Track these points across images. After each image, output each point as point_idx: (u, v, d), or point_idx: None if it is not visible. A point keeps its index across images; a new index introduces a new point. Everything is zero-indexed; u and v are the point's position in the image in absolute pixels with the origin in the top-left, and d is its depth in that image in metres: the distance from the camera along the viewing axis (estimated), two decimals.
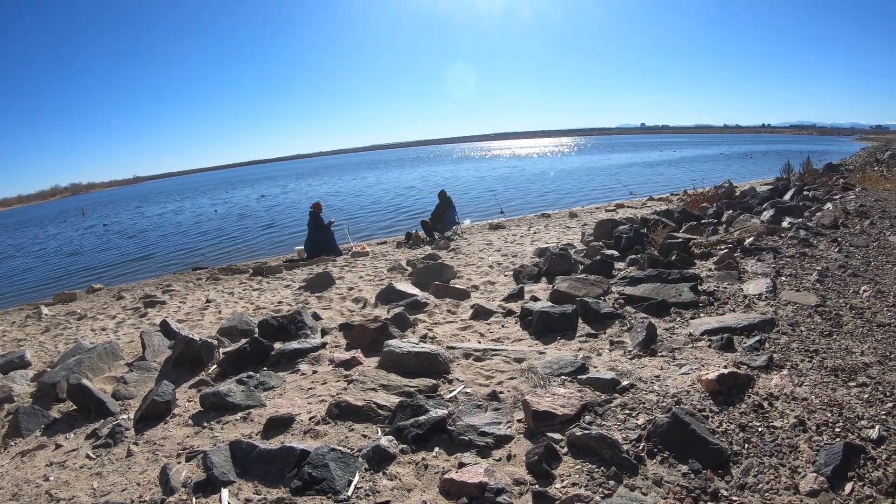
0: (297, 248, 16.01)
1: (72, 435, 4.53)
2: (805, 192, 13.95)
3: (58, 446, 4.34)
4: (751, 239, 8.08)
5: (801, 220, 9.73)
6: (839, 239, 8.01)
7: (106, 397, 4.97)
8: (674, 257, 7.27)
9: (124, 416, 4.69)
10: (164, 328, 6.84)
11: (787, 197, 13.59)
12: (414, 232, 16.26)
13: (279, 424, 3.97)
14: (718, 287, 6.17)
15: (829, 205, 11.31)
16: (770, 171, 31.04)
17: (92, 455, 4.03)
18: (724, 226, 10.14)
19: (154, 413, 4.49)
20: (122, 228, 38.13)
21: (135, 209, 60.35)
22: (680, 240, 8.19)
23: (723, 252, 7.37)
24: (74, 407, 5.00)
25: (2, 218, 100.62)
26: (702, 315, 5.37)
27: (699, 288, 6.06)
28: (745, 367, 4.02)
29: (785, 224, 9.41)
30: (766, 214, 10.28)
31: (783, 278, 6.33)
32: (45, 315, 10.91)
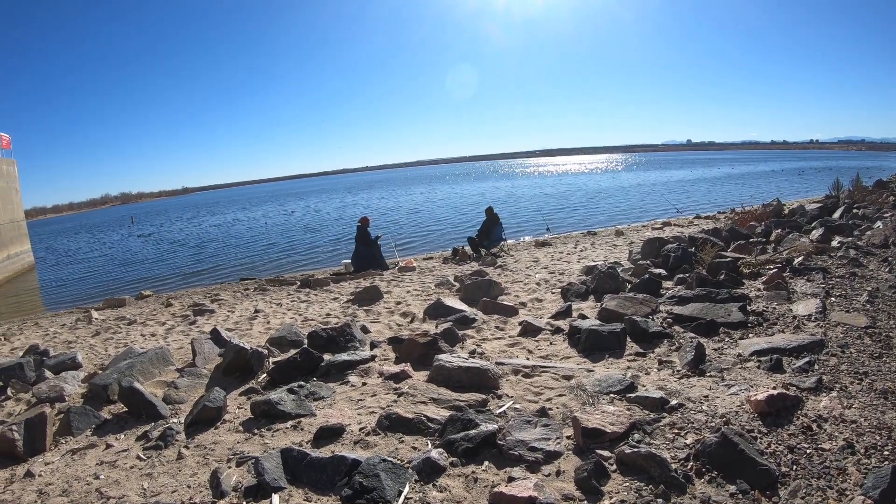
0: (344, 261, 16.14)
1: (122, 436, 4.65)
2: (854, 210, 13.66)
3: (108, 446, 4.46)
4: (800, 258, 8.01)
5: (850, 239, 9.58)
6: (890, 259, 7.87)
7: (157, 401, 5.10)
8: (722, 277, 7.26)
9: (175, 420, 4.79)
10: (215, 336, 6.99)
11: (836, 215, 13.33)
12: (460, 248, 16.26)
13: (329, 434, 4.06)
14: (767, 307, 6.16)
15: (879, 223, 11.07)
16: (819, 189, 30.43)
17: (142, 456, 4.16)
18: (773, 245, 10.03)
19: (205, 418, 4.62)
20: (170, 238, 39.00)
21: (182, 219, 61.83)
22: (728, 259, 8.15)
23: (772, 272, 7.33)
24: (125, 409, 5.13)
25: (54, 224, 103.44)
26: (751, 335, 5.38)
27: (748, 308, 6.05)
28: (794, 388, 4.04)
29: (834, 243, 9.28)
30: (816, 233, 10.15)
31: (833, 299, 6.28)
32: (95, 319, 11.21)
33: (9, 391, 6.17)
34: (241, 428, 4.45)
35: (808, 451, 3.22)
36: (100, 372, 6.35)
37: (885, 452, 3.15)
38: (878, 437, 3.30)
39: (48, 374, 6.58)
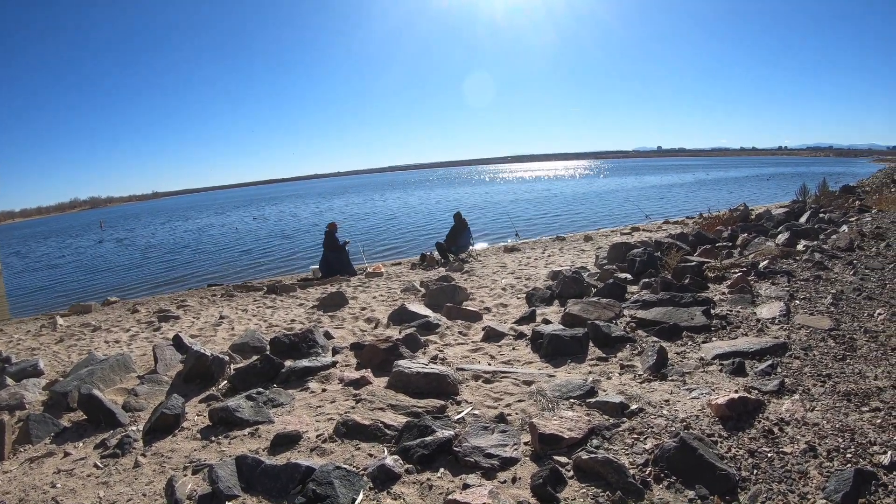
0: (313, 267, 16.05)
1: (81, 444, 4.59)
2: (821, 215, 13.83)
3: (66, 454, 4.39)
4: (765, 262, 8.03)
5: (816, 242, 9.65)
6: (854, 262, 7.92)
7: (116, 408, 5.04)
8: (687, 281, 7.24)
9: (133, 428, 4.73)
10: (177, 342, 6.92)
11: (802, 219, 13.52)
12: (429, 253, 16.27)
13: (286, 441, 4.02)
14: (731, 311, 6.14)
15: (844, 227, 11.20)
16: (786, 194, 30.93)
17: (100, 464, 4.10)
18: (739, 249, 10.08)
19: (163, 425, 4.56)
20: (140, 243, 38.54)
21: (153, 224, 61.24)
22: (694, 263, 8.16)
23: (737, 275, 7.33)
24: (85, 416, 5.06)
25: (21, 228, 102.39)
26: (714, 339, 5.34)
27: (712, 312, 6.03)
28: (756, 391, 3.99)
29: (800, 247, 9.34)
30: (782, 237, 10.22)
31: (797, 302, 6.27)
32: (60, 325, 11.00)
33: None
34: (198, 435, 4.39)
35: (769, 455, 3.15)
36: (61, 379, 6.26)
37: (848, 455, 3.10)
38: (840, 440, 3.25)
39: (9, 381, 6.46)
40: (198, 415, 4.86)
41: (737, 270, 7.81)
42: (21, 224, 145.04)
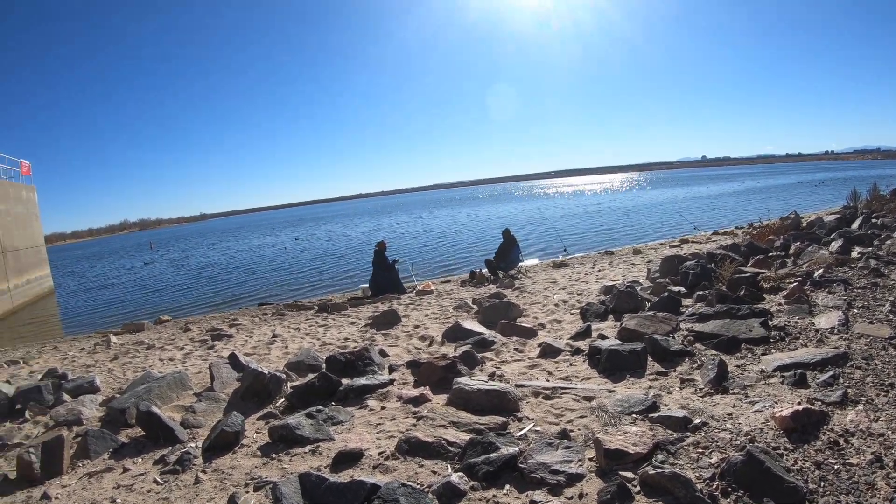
0: (362, 286, 16.17)
1: (139, 459, 4.69)
2: (874, 220, 13.51)
3: (125, 469, 4.49)
4: (820, 271, 7.94)
5: (870, 249, 9.49)
6: None
7: (174, 425, 5.15)
8: (742, 292, 7.20)
9: (192, 445, 4.82)
10: (233, 361, 7.03)
11: (855, 225, 13.23)
12: (478, 270, 16.28)
13: (348, 458, 4.05)
14: (789, 321, 6.10)
15: None
16: (836, 200, 30.29)
17: (159, 480, 4.19)
18: (793, 258, 9.95)
19: (223, 442, 4.64)
20: (189, 263, 39.51)
21: (202, 245, 62.69)
22: (748, 274, 8.09)
23: (792, 285, 7.26)
24: (143, 433, 5.16)
25: (74, 249, 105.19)
26: (773, 351, 5.32)
27: (770, 323, 6.00)
28: (819, 403, 3.99)
29: (854, 254, 9.20)
30: (835, 245, 10.06)
31: (855, 310, 6.20)
32: (114, 343, 11.33)
33: (27, 414, 6.27)
34: (258, 452, 4.46)
35: (835, 467, 3.16)
36: (117, 396, 6.41)
37: None
38: None
39: (66, 397, 6.68)
40: (256, 432, 4.94)
41: (792, 280, 7.73)
42: (72, 245, 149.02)
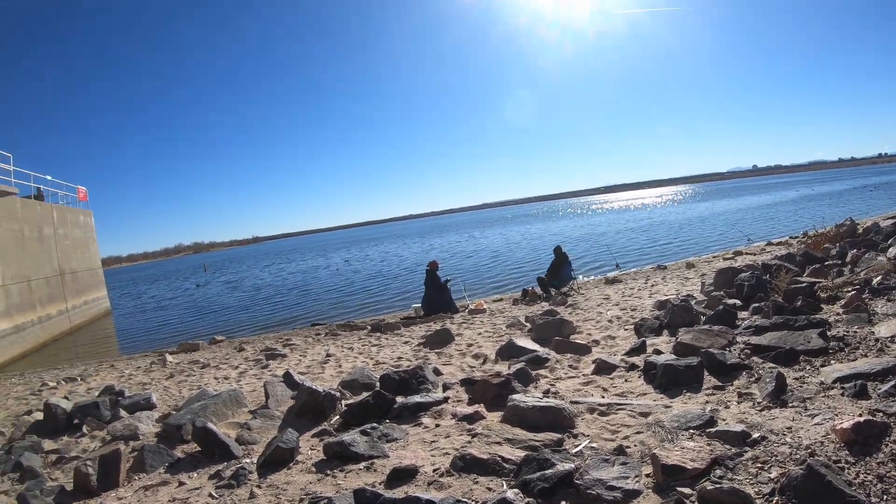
0: (414, 305, 16.28)
1: (195, 474, 4.80)
2: None
3: (181, 484, 4.62)
4: (878, 278, 7.76)
5: None
6: None
7: (230, 441, 5.25)
8: (799, 303, 7.10)
9: (247, 460, 4.92)
10: (288, 379, 7.15)
11: None
12: (530, 288, 16.29)
13: (403, 475, 4.09)
14: (848, 331, 5.99)
15: None
16: (893, 204, 29.51)
17: (215, 494, 4.29)
18: (850, 266, 9.74)
19: (278, 459, 4.72)
20: (243, 285, 40.24)
21: (254, 267, 63.96)
22: (804, 284, 7.97)
23: (850, 294, 7.13)
24: (198, 448, 5.28)
25: (129, 272, 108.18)
26: (832, 362, 5.24)
27: (828, 333, 5.90)
28: (881, 414, 3.92)
29: None
30: (892, 251, 9.79)
31: None
32: (170, 362, 11.66)
33: (84, 428, 6.57)
34: (313, 469, 4.53)
35: None
36: (173, 412, 6.63)
37: None
38: None
39: (123, 413, 6.95)
40: (311, 449, 5.01)
41: (850, 289, 7.59)
42: (128, 268, 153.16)
